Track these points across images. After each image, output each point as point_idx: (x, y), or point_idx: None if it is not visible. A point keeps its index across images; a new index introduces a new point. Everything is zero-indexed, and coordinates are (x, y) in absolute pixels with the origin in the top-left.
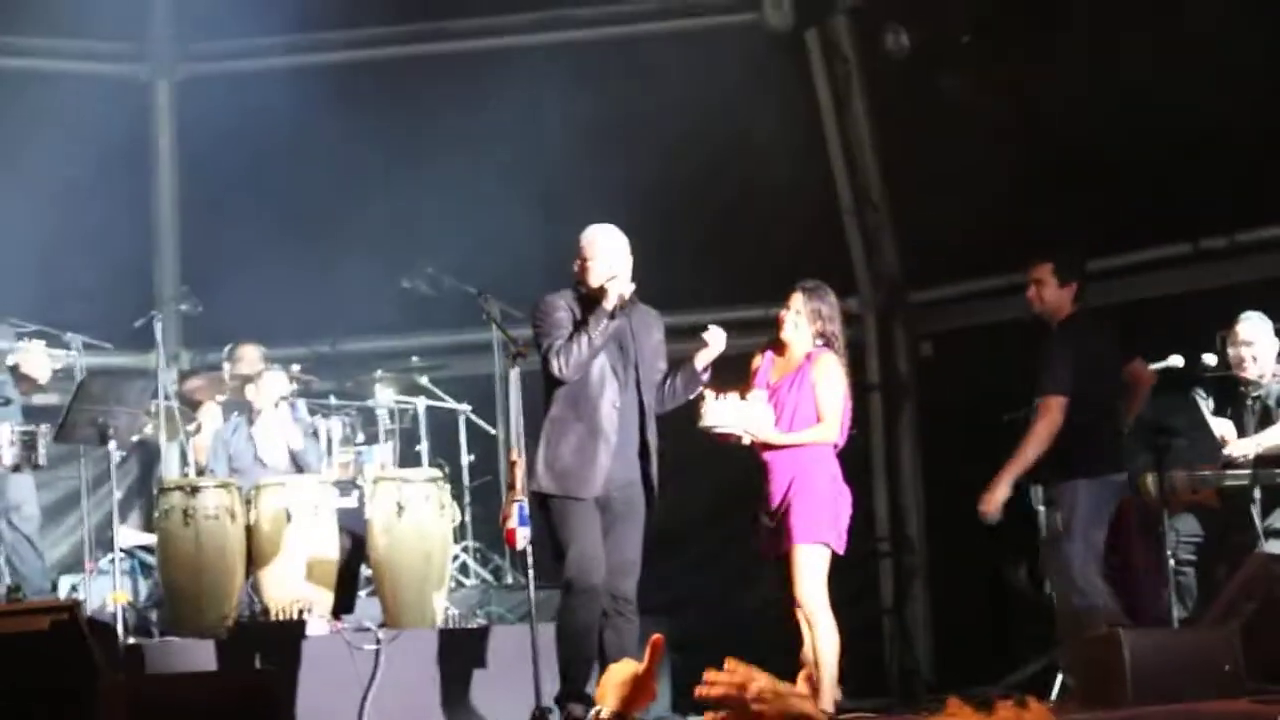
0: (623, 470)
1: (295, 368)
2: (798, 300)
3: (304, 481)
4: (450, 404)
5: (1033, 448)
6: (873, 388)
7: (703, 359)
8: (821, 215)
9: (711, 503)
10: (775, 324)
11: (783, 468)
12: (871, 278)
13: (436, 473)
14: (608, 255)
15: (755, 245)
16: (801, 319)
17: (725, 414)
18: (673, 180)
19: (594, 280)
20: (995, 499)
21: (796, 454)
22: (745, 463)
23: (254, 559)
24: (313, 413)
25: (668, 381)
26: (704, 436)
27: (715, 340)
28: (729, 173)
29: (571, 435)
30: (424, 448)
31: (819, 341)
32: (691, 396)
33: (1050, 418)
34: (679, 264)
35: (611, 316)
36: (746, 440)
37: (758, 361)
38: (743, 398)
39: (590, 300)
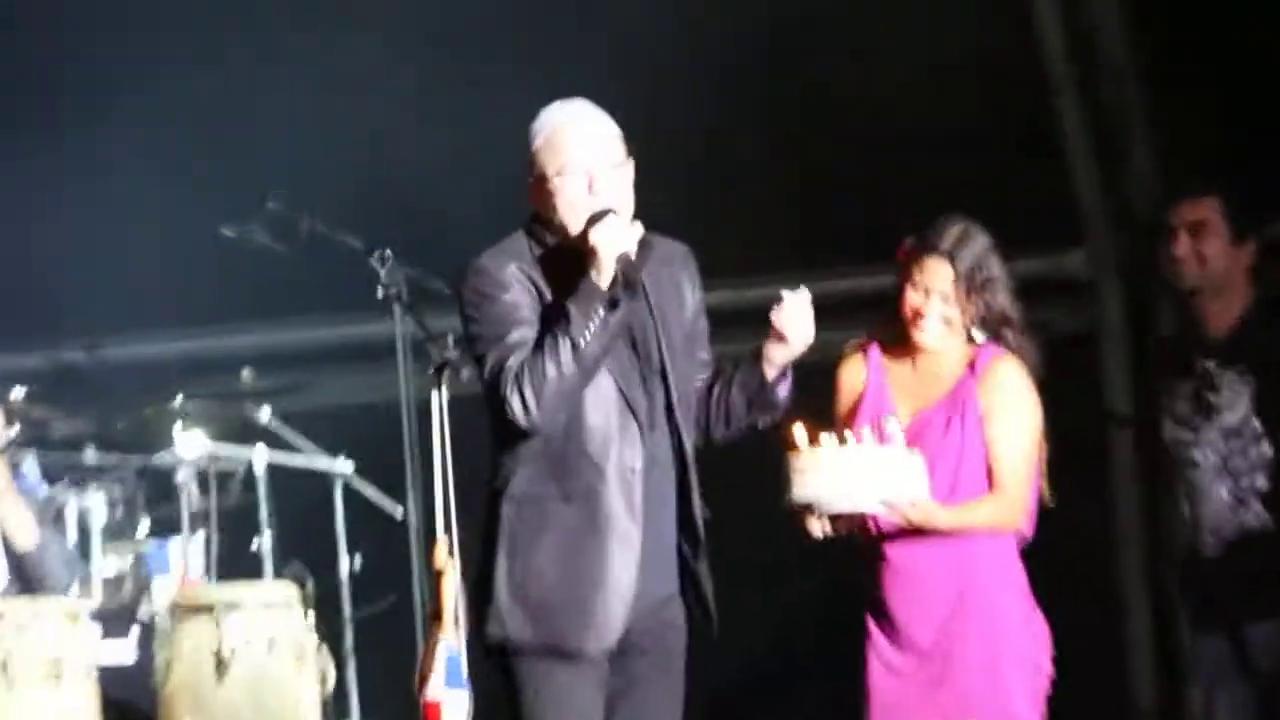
0: (652, 584)
1: (15, 394)
2: (938, 270)
3: (38, 610)
4: (315, 460)
5: None
6: (1119, 419)
7: (778, 356)
8: (1003, 99)
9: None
10: (892, 307)
11: (935, 574)
12: (1111, 212)
13: (293, 591)
14: (584, 163)
15: (870, 169)
16: (949, 305)
17: (849, 479)
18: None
19: (568, 220)
20: None
21: (962, 548)
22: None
23: None
24: (52, 479)
25: (716, 391)
26: (794, 518)
27: (796, 313)
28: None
29: (553, 531)
30: (265, 543)
31: (981, 336)
32: (763, 425)
33: None
34: (725, 201)
35: (613, 303)
36: (889, 520)
37: (854, 371)
38: (848, 438)
39: (564, 258)
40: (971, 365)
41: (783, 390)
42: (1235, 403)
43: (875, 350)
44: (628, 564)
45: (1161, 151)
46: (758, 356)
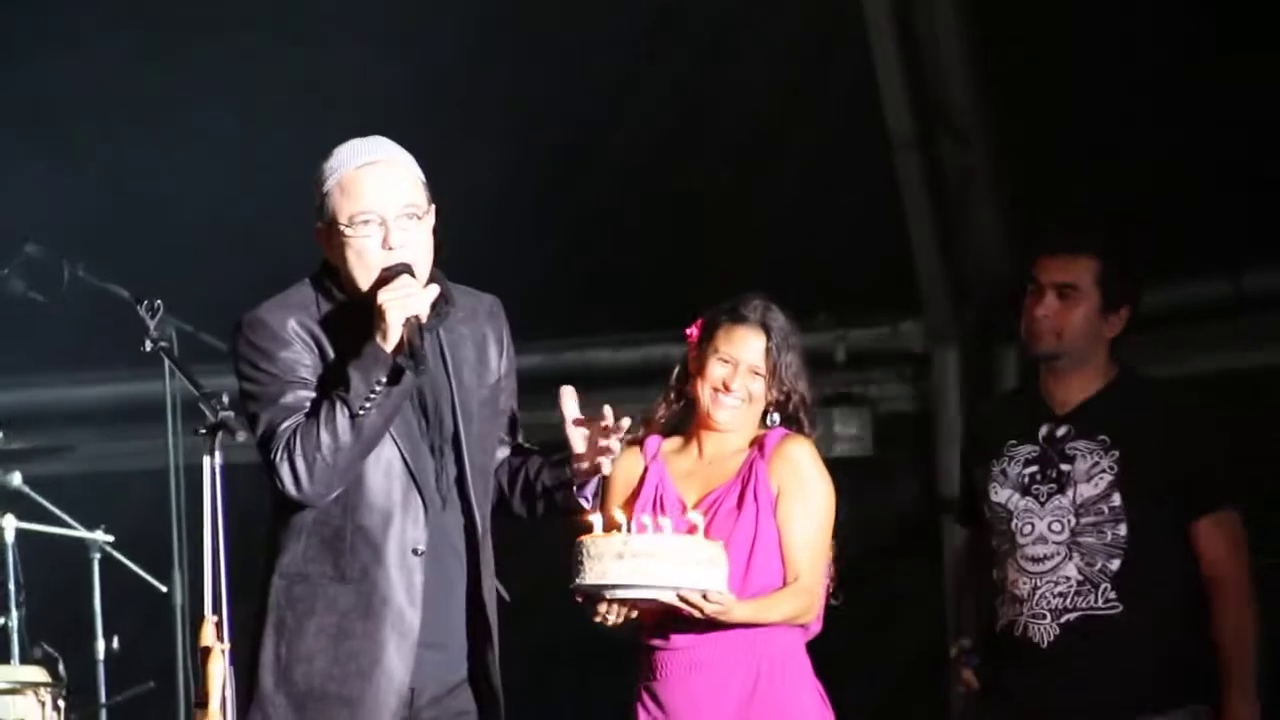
0: (436, 671)
1: None
2: (748, 340)
3: None
4: (69, 528)
5: None
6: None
7: (584, 458)
8: (842, 155)
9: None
10: (674, 391)
11: (725, 664)
12: (948, 278)
13: (41, 675)
14: (380, 212)
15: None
16: (756, 380)
17: (657, 567)
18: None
19: (357, 273)
20: None
21: (755, 638)
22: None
23: None
24: None
25: (521, 468)
26: (582, 602)
27: (570, 408)
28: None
29: (327, 614)
30: (13, 621)
31: (773, 417)
32: (567, 513)
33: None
34: (538, 256)
35: (397, 371)
36: (696, 611)
37: (629, 465)
38: (646, 525)
39: (352, 314)
40: (759, 445)
41: (589, 490)
42: (1093, 475)
43: (653, 441)
44: (404, 653)
45: (1006, 216)
46: (563, 462)
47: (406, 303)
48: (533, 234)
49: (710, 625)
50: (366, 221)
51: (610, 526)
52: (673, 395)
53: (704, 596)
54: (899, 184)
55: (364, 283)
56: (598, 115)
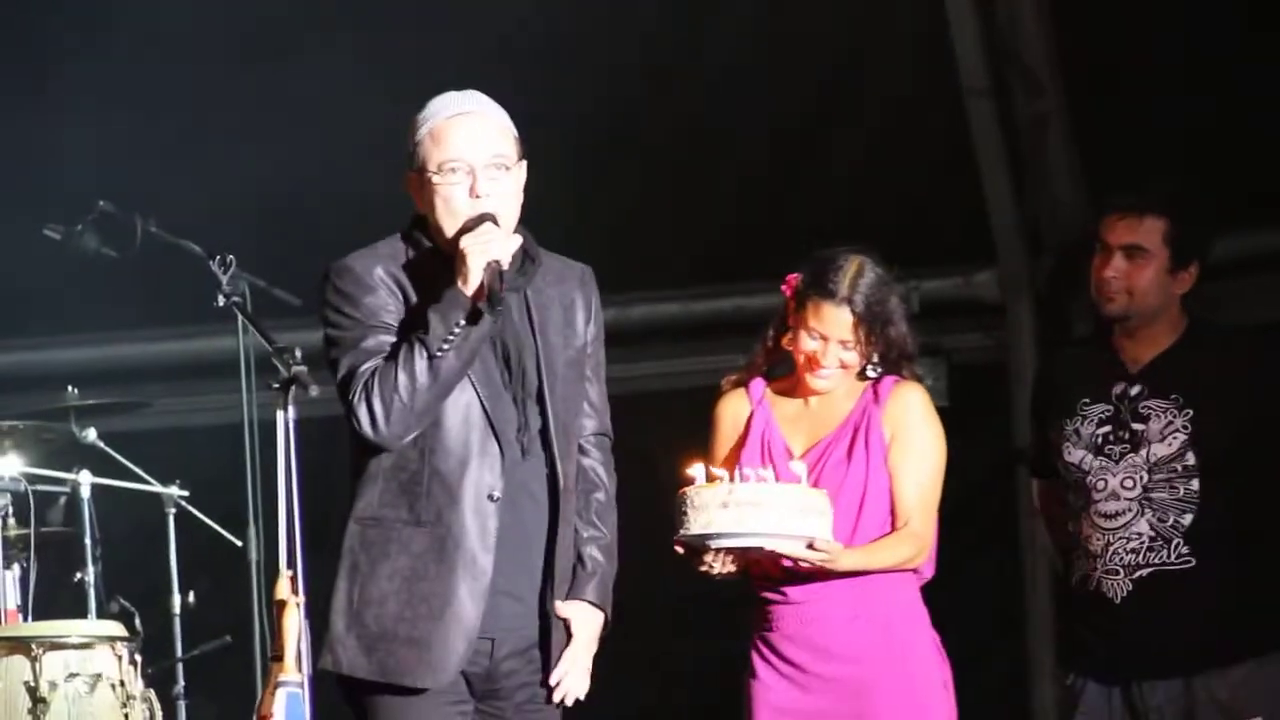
0: (515, 620)
1: None
2: (835, 317)
3: None
4: (145, 484)
5: None
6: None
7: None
8: (915, 105)
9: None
10: (775, 340)
11: (836, 612)
12: (1022, 228)
13: (117, 629)
14: (469, 161)
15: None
16: (848, 350)
17: (762, 515)
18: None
19: (444, 221)
20: None
21: (864, 585)
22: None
23: None
24: None
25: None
26: (688, 555)
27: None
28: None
29: (400, 558)
30: (90, 577)
31: (876, 368)
32: None
33: None
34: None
35: (475, 314)
36: (790, 564)
37: (735, 407)
38: (748, 475)
39: (439, 263)
40: (875, 391)
41: None
42: (1167, 435)
43: (758, 384)
44: (476, 597)
45: (1082, 167)
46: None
47: (488, 248)
48: (603, 186)
49: (820, 575)
50: (454, 169)
51: (711, 478)
52: (770, 343)
53: (810, 545)
54: (972, 133)
55: (450, 230)
56: (665, 60)
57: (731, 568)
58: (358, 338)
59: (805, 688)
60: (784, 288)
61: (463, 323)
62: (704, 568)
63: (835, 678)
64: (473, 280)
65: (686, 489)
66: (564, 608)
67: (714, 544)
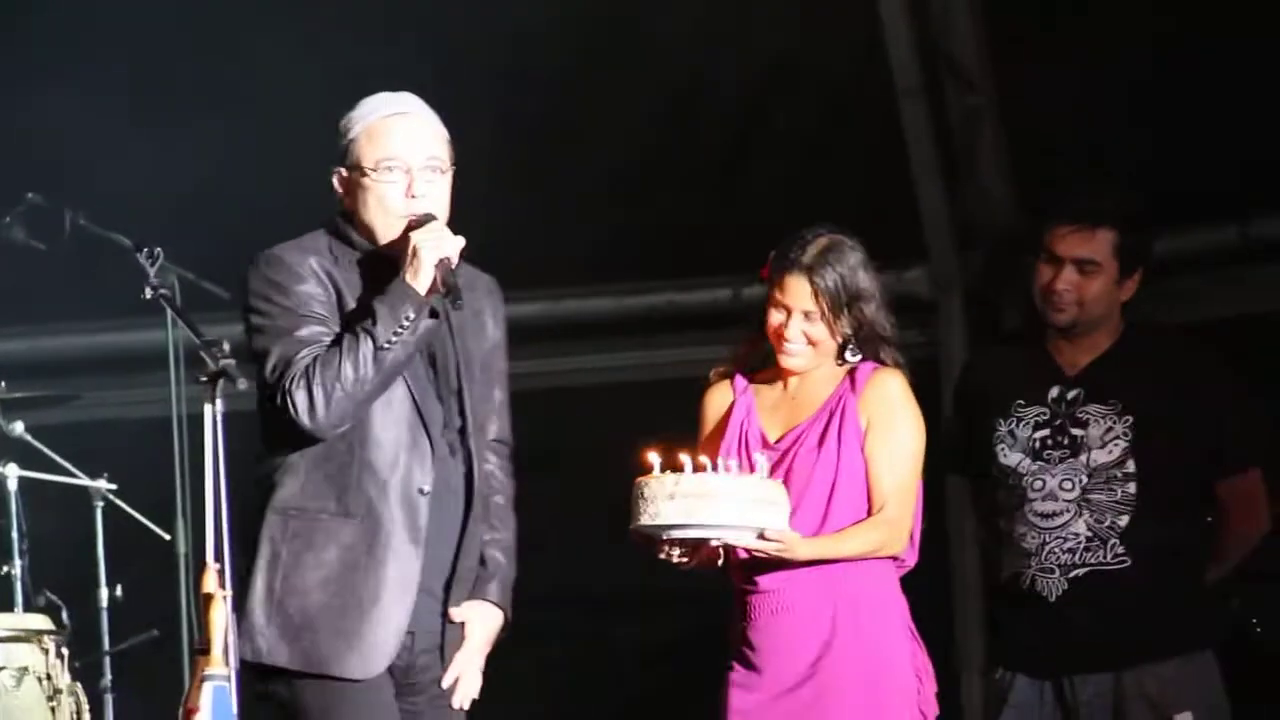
0: (429, 616)
1: None
2: (796, 287)
3: None
4: (73, 477)
5: None
6: None
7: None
8: (847, 104)
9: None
10: (758, 328)
11: (804, 610)
12: (953, 225)
13: (45, 622)
14: (406, 161)
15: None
16: (813, 324)
17: (708, 507)
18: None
19: (376, 221)
20: None
21: (834, 580)
22: (716, 594)
23: None
24: None
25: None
26: (638, 545)
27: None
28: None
29: (327, 549)
30: (17, 571)
31: (852, 354)
32: None
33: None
34: (553, 201)
35: (432, 312)
36: (746, 555)
37: (719, 398)
38: (704, 464)
39: (367, 261)
40: (851, 377)
41: None
42: (1108, 441)
43: (739, 379)
44: (405, 589)
45: (1011, 163)
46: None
47: (440, 244)
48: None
49: (789, 565)
50: (390, 169)
51: (698, 467)
52: (755, 333)
53: (761, 535)
54: (904, 131)
55: (382, 229)
56: (602, 57)
57: (686, 559)
58: (289, 326)
59: (774, 676)
60: (763, 271)
61: (412, 315)
62: (662, 555)
63: (802, 666)
64: (424, 275)
65: (639, 479)
66: (465, 608)
67: (664, 535)
